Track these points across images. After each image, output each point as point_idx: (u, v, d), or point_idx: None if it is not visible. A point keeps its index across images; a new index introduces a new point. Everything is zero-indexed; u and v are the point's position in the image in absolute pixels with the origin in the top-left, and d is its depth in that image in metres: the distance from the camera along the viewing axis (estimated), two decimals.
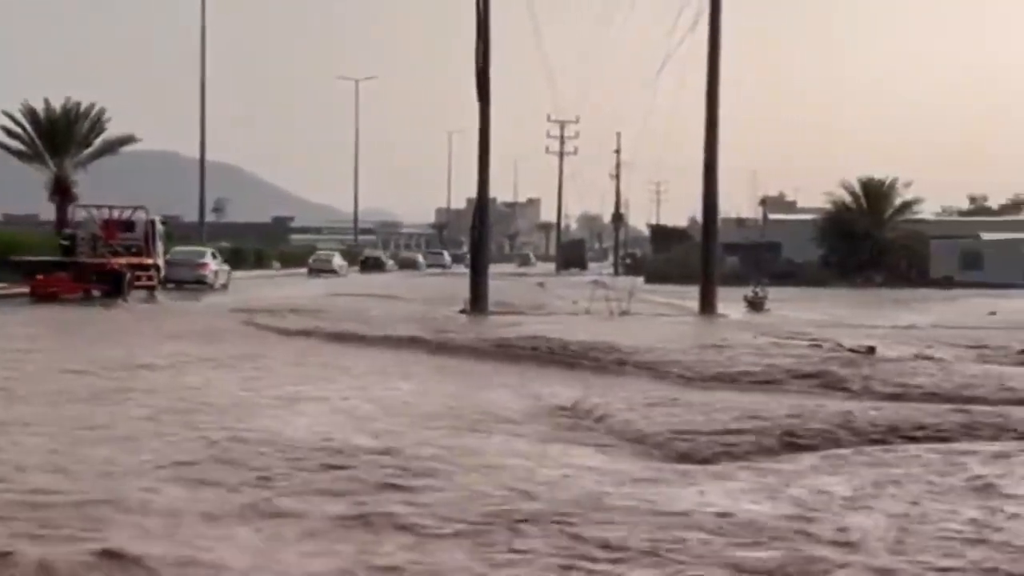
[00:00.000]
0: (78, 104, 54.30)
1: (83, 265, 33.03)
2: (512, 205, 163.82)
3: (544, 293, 43.82)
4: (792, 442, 9.48)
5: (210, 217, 74.31)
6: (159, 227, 37.20)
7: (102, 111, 54.85)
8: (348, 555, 6.02)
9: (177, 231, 56.30)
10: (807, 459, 8.78)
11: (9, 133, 53.73)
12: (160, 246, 37.00)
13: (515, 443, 9.76)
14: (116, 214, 35.63)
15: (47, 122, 53.29)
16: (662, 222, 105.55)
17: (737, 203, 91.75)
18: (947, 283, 55.77)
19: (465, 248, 68.42)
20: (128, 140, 56.59)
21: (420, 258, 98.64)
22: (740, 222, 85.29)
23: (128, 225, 35.30)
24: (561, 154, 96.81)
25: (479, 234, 32.33)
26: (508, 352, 18.34)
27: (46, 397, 12.21)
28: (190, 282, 41.06)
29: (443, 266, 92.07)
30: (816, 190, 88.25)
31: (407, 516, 6.78)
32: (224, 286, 43.34)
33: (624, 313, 29.66)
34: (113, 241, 34.30)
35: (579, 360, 17.06)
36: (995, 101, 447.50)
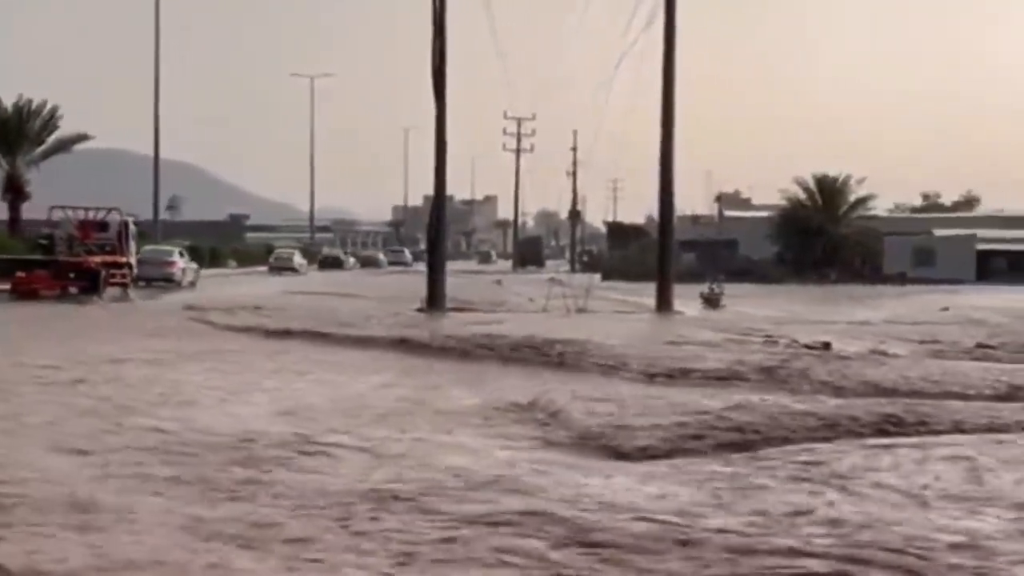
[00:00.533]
0: (30, 102, 53.87)
1: (62, 264, 34.26)
2: (469, 203, 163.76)
3: (501, 290, 43.86)
4: (735, 441, 9.53)
5: (165, 215, 73.62)
6: (132, 227, 38.36)
7: (55, 109, 54.41)
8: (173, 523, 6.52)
9: None
10: (737, 458, 8.76)
11: None
12: (133, 245, 38.14)
13: (442, 435, 9.91)
14: (91, 215, 36.96)
15: None
16: (619, 220, 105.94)
17: (693, 200, 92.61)
18: (900, 279, 56.31)
19: (423, 246, 68.36)
20: (81, 138, 56.15)
21: (381, 256, 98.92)
22: (696, 219, 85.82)
23: (102, 226, 36.57)
24: (518, 152, 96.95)
25: (436, 232, 32.30)
26: (464, 349, 18.35)
27: None
28: (159, 280, 42.04)
29: (405, 264, 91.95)
30: (771, 187, 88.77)
31: (257, 491, 7.34)
32: (192, 284, 44.11)
33: (581, 310, 29.73)
34: (88, 241, 35.55)
35: (535, 357, 17.09)
36: (947, 99, 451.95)
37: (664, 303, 31.56)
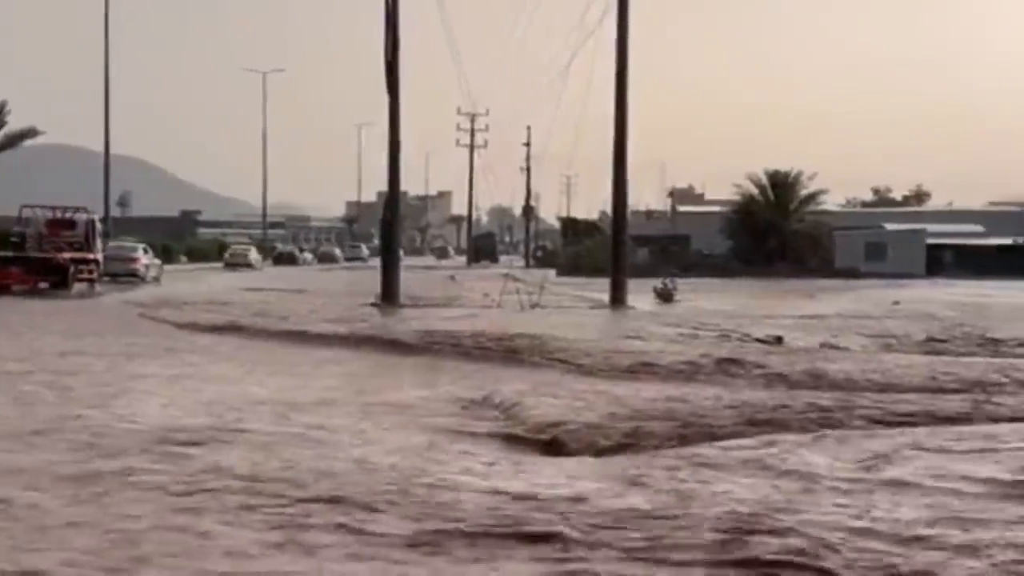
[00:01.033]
0: None
1: (34, 260, 36.09)
2: (423, 198, 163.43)
3: (456, 286, 43.81)
4: (682, 433, 9.54)
5: (115, 211, 72.94)
6: (98, 226, 39.88)
7: (3, 104, 53.78)
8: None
9: None
10: (664, 455, 8.71)
11: None
12: (99, 243, 39.56)
13: (373, 430, 9.89)
14: (60, 214, 38.56)
15: None
16: (573, 215, 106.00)
17: (647, 196, 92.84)
18: (852, 274, 56.71)
19: (377, 241, 68.44)
20: (30, 133, 55.53)
21: (338, 251, 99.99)
22: (649, 214, 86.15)
23: (71, 224, 38.12)
24: (471, 147, 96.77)
25: (390, 228, 32.19)
26: (415, 344, 18.32)
27: None
28: (123, 275, 43.16)
29: (362, 259, 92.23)
30: (724, 182, 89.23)
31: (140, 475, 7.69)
32: (156, 279, 45.28)
33: (535, 306, 29.73)
34: (58, 238, 37.19)
35: (489, 352, 17.09)
36: (896, 94, 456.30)
37: (618, 298, 31.61)
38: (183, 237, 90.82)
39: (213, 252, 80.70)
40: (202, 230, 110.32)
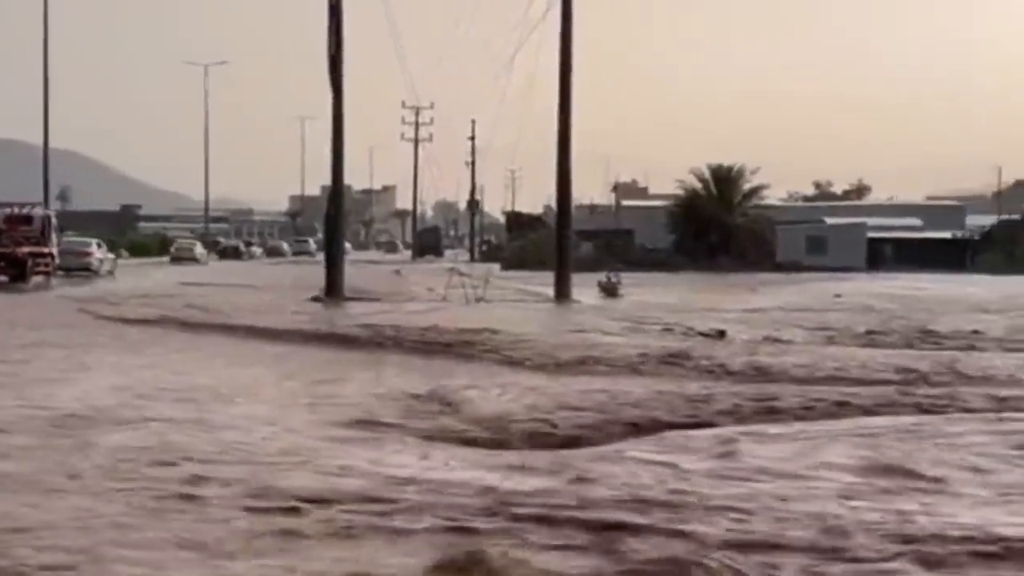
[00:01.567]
0: None
1: None
2: (368, 192, 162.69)
3: (401, 280, 43.72)
4: (629, 428, 9.65)
5: (55, 205, 72.03)
6: (53, 221, 41.34)
7: None
8: None
9: None
10: (583, 453, 8.74)
11: None
12: (55, 237, 40.96)
13: (286, 420, 9.99)
14: (16, 210, 39.77)
15: None
16: (517, 209, 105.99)
17: (590, 190, 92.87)
18: (794, 267, 57.16)
19: (321, 235, 68.49)
20: None
21: (286, 245, 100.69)
22: (593, 209, 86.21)
23: (27, 219, 39.34)
24: (416, 141, 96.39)
25: (334, 222, 32.07)
26: (360, 338, 18.27)
27: None
28: (77, 269, 44.21)
29: (309, 253, 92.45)
30: (668, 177, 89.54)
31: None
32: (110, 272, 46.46)
33: (480, 300, 29.75)
34: (15, 233, 38.36)
35: (432, 347, 17.07)
36: (835, 90, 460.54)
37: (563, 292, 31.68)
38: (124, 232, 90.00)
39: (155, 247, 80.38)
40: (143, 224, 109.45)
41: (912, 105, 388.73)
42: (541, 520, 6.25)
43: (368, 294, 31.94)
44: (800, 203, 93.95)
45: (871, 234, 63.82)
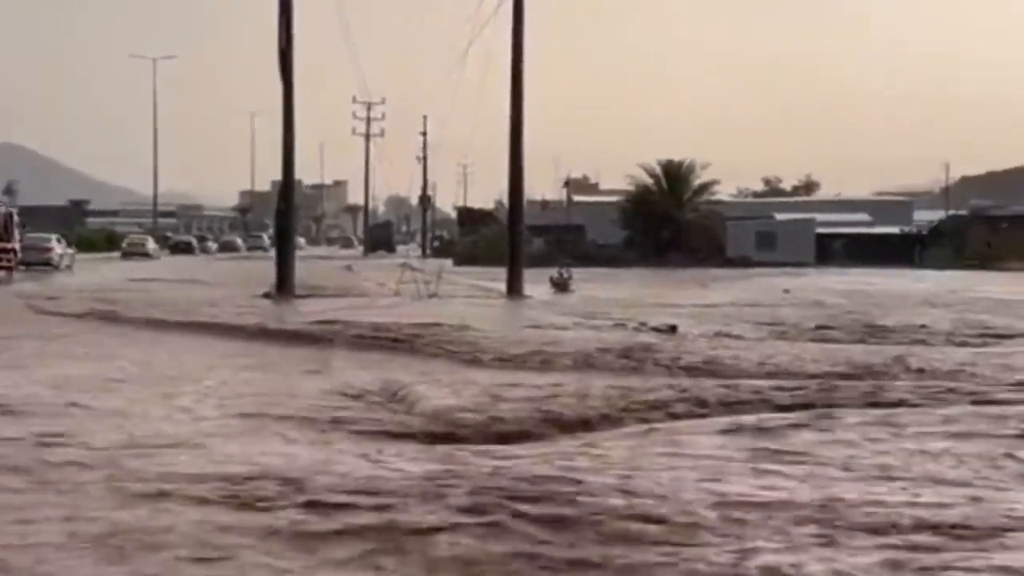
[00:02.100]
0: None
1: None
2: (319, 187, 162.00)
3: (352, 276, 43.57)
4: (547, 423, 9.65)
5: (3, 200, 71.15)
6: (15, 217, 42.01)
7: None
8: None
9: None
10: (531, 447, 8.68)
11: None
12: (17, 233, 41.70)
13: (206, 411, 10.02)
14: None
15: None
16: (469, 205, 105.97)
17: (542, 186, 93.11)
18: (744, 263, 57.55)
19: (272, 231, 68.40)
20: None
21: (240, 240, 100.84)
22: (545, 204, 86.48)
23: None
24: (368, 136, 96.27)
25: (284, 217, 31.88)
26: (310, 335, 18.18)
27: None
28: (38, 264, 45.06)
29: (263, 248, 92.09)
30: (619, 172, 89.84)
31: None
32: (69, 267, 47.42)
33: (432, 295, 29.70)
34: None
35: (385, 343, 17.01)
36: (785, 88, 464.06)
37: (515, 288, 31.71)
38: (72, 227, 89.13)
39: (102, 242, 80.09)
40: (91, 219, 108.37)
41: (859, 102, 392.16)
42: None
43: (319, 290, 31.79)
44: (750, 199, 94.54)
45: (820, 230, 64.38)
